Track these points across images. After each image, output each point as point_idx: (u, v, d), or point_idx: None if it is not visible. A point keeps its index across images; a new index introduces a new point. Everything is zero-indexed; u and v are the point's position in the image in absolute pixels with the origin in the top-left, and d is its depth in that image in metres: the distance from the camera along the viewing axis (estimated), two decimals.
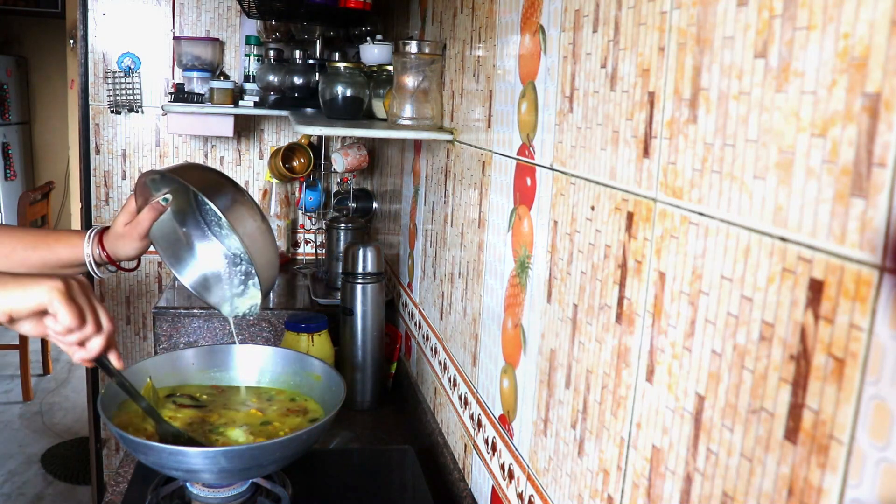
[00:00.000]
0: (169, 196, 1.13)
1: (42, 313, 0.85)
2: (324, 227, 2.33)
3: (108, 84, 2.45)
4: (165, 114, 2.35)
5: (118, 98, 2.45)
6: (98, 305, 0.90)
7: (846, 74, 0.45)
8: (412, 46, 1.41)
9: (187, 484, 1.09)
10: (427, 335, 1.60)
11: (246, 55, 2.41)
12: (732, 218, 0.55)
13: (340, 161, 2.27)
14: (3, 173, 5.88)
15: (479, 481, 1.18)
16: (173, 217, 1.19)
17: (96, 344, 0.90)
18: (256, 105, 2.29)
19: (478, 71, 1.23)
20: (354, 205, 2.40)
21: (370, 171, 2.51)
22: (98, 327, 0.89)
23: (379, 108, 1.65)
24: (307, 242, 2.62)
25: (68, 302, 0.84)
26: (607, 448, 0.75)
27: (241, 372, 1.27)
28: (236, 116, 2.34)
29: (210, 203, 1.03)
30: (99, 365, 0.94)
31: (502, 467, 1.07)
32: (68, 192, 6.15)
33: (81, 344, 0.90)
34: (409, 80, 1.41)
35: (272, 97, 2.27)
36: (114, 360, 0.95)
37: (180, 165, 1.12)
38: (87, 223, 2.51)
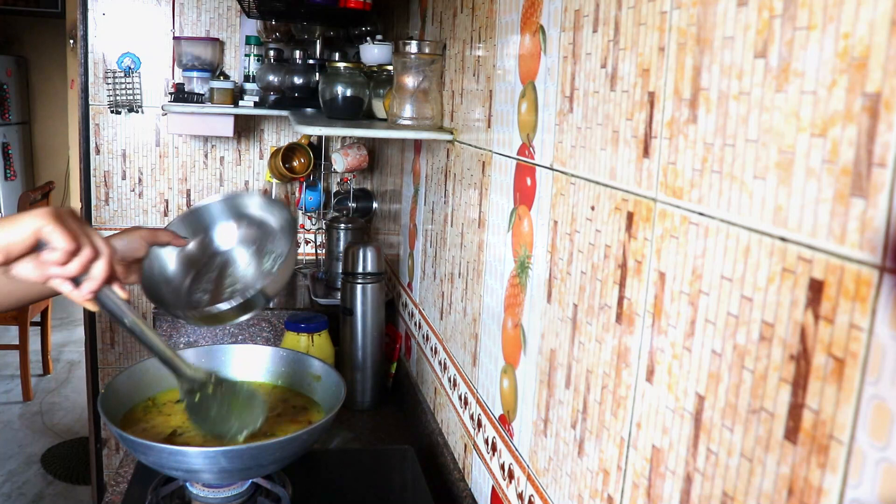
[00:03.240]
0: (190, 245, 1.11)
1: (38, 250, 0.81)
2: (324, 227, 2.33)
3: (108, 84, 2.45)
4: (165, 114, 2.35)
5: (118, 98, 2.45)
6: (91, 231, 0.85)
7: (846, 74, 0.45)
8: (412, 46, 1.41)
9: (187, 484, 1.09)
10: (427, 335, 1.60)
11: (246, 55, 2.41)
12: (732, 218, 0.55)
13: (340, 161, 2.27)
14: (3, 173, 5.88)
15: (479, 481, 1.18)
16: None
17: (99, 270, 0.85)
18: (256, 105, 2.28)
19: (478, 71, 1.23)
20: (354, 205, 2.40)
21: (370, 171, 2.50)
22: (95, 250, 0.85)
23: (379, 108, 1.65)
24: (307, 242, 2.62)
25: (61, 225, 0.80)
26: (607, 448, 0.75)
27: (241, 372, 1.28)
28: (236, 116, 2.34)
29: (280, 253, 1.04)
30: (103, 306, 0.90)
31: (502, 467, 1.07)
32: (68, 192, 6.15)
33: (81, 277, 0.86)
34: (409, 80, 1.41)
35: (272, 97, 2.27)
36: (118, 291, 0.90)
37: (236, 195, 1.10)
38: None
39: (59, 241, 0.80)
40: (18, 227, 0.79)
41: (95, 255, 0.85)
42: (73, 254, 0.82)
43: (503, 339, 1.08)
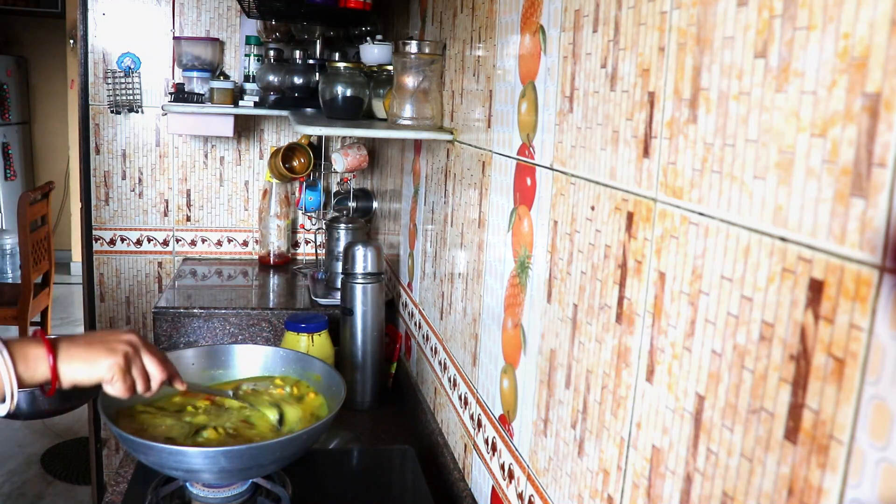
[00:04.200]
0: None
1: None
2: (324, 227, 2.33)
3: (108, 84, 2.45)
4: (165, 114, 2.35)
5: (118, 98, 2.45)
6: (151, 363, 1.01)
7: (846, 74, 0.45)
8: (412, 46, 1.41)
9: (187, 484, 1.09)
10: (427, 335, 1.60)
11: (246, 55, 2.41)
12: (732, 218, 0.55)
13: (340, 161, 2.27)
14: (3, 173, 5.88)
15: (479, 481, 1.18)
16: None
17: (147, 394, 1.03)
18: (256, 105, 2.28)
19: (478, 71, 1.23)
20: (354, 205, 2.40)
21: (370, 171, 2.50)
22: (147, 386, 1.02)
23: (379, 108, 1.65)
24: (307, 242, 2.62)
25: (123, 378, 0.98)
26: (607, 448, 0.75)
27: (241, 372, 1.28)
28: (236, 116, 2.34)
29: None
30: None
31: (502, 467, 1.07)
32: (68, 192, 6.15)
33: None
34: (409, 80, 1.41)
35: (272, 97, 2.27)
36: (178, 385, 1.07)
37: None
38: (87, 223, 2.51)
39: (118, 390, 0.98)
40: (91, 371, 0.96)
41: (146, 390, 1.02)
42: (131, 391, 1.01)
43: (503, 339, 1.08)
